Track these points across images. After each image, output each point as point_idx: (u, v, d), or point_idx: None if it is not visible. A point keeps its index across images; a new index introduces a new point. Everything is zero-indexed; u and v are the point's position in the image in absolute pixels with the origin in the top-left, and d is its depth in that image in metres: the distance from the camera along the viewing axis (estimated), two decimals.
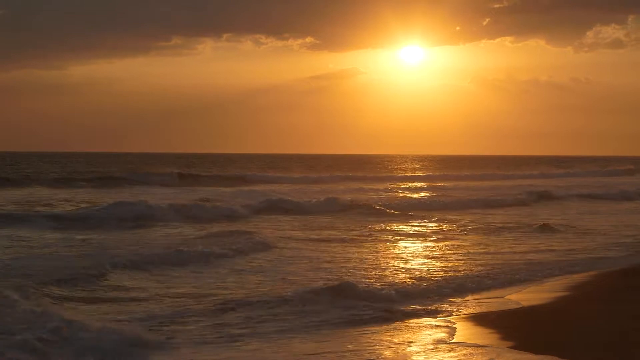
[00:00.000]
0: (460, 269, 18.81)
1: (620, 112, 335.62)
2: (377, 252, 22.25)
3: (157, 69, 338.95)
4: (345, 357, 10.83)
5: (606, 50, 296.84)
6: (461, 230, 28.43)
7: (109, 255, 18.57)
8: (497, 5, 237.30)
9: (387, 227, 29.38)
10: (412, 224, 30.96)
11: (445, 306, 14.63)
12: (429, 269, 18.75)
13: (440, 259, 20.71)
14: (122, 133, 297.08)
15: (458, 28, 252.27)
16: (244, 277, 17.23)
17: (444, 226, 30.07)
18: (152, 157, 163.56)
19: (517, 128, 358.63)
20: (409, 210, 37.59)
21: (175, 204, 32.64)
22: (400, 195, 51.25)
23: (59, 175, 63.98)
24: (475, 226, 30.06)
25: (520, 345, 11.56)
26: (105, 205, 30.78)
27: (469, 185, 66.72)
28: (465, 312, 14.23)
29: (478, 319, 13.63)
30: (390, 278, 17.27)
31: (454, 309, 14.40)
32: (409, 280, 17.09)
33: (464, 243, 24.44)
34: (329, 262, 19.71)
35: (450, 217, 34.23)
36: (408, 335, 12.31)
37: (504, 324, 13.11)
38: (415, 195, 51.05)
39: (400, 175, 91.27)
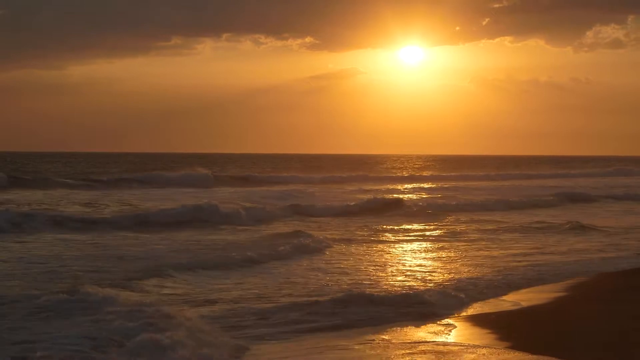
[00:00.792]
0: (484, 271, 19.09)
1: (620, 112, 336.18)
2: (419, 253, 23.04)
3: (157, 69, 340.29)
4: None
5: (606, 50, 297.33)
6: (504, 231, 29.20)
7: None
8: (496, 5, 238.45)
9: (431, 228, 30.24)
10: (461, 224, 31.59)
11: (445, 306, 14.72)
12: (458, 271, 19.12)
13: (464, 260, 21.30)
14: (122, 133, 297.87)
15: (458, 28, 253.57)
16: (312, 277, 18.08)
17: (492, 226, 30.69)
18: (153, 157, 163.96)
19: (517, 128, 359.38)
20: (450, 210, 38.43)
21: (243, 206, 34.03)
22: (437, 195, 51.04)
23: (89, 177, 63.98)
24: (534, 227, 30.58)
25: (519, 346, 11.56)
26: (180, 208, 31.88)
27: (495, 186, 67.15)
28: (464, 313, 14.33)
29: (477, 319, 13.72)
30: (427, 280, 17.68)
31: (454, 309, 14.52)
32: (440, 282, 17.44)
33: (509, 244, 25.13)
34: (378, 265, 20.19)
35: (490, 218, 34.94)
36: (408, 335, 12.49)
37: (503, 324, 13.18)
38: (453, 195, 50.69)
39: (419, 175, 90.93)
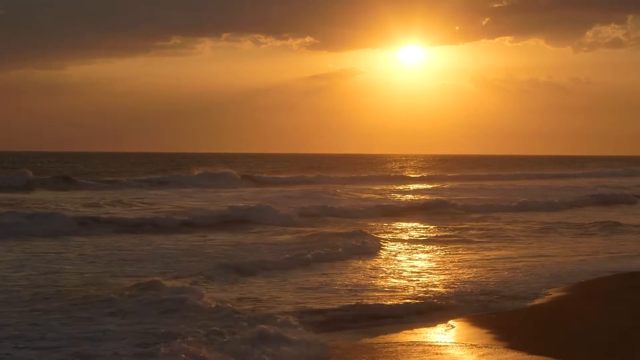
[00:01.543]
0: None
1: (620, 112, 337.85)
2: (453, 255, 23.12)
3: (157, 69, 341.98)
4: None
5: (606, 50, 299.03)
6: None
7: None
8: (496, 5, 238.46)
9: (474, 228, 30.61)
10: (502, 224, 31.98)
11: (445, 306, 14.89)
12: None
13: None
14: (122, 133, 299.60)
15: (457, 28, 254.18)
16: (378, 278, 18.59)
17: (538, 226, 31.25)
18: (153, 157, 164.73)
19: (516, 128, 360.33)
20: (489, 211, 38.87)
21: (297, 207, 35.32)
22: (474, 196, 50.84)
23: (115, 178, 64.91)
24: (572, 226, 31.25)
25: (518, 346, 11.68)
26: (246, 207, 33.30)
27: (524, 185, 67.36)
28: (464, 313, 14.37)
29: (477, 319, 13.77)
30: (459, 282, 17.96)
31: (454, 309, 14.65)
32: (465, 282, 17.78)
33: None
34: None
35: (535, 218, 35.43)
36: (408, 335, 12.71)
37: (503, 324, 13.26)
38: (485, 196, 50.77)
39: (441, 175, 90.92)
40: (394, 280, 18.23)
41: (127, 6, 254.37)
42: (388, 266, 20.57)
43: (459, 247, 24.63)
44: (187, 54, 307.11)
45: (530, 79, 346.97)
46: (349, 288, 17.00)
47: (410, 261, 21.70)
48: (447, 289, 16.83)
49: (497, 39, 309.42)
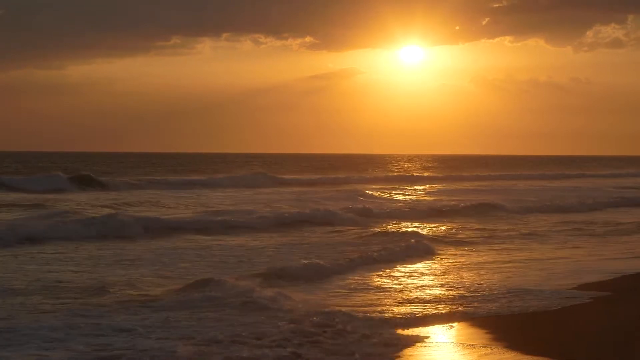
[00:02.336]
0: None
1: (620, 112, 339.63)
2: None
3: (157, 69, 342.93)
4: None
5: (606, 50, 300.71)
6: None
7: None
8: (496, 5, 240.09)
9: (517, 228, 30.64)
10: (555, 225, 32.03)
11: (445, 307, 14.84)
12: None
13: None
14: (122, 133, 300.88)
15: (457, 28, 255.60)
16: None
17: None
18: (153, 157, 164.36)
19: (516, 128, 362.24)
20: (536, 212, 38.84)
21: (347, 208, 35.28)
22: (517, 197, 49.55)
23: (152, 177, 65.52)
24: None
25: (517, 346, 11.60)
26: (295, 212, 33.30)
27: (550, 185, 67.17)
28: (463, 313, 14.28)
29: (476, 319, 13.68)
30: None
31: (454, 310, 14.53)
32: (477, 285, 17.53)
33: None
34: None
35: (579, 218, 35.40)
36: (408, 335, 12.56)
37: (502, 325, 13.18)
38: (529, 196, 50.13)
39: (465, 175, 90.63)
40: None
41: (127, 6, 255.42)
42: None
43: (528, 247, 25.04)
44: (187, 54, 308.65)
45: (530, 79, 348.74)
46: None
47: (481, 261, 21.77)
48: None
49: (497, 39, 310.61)
